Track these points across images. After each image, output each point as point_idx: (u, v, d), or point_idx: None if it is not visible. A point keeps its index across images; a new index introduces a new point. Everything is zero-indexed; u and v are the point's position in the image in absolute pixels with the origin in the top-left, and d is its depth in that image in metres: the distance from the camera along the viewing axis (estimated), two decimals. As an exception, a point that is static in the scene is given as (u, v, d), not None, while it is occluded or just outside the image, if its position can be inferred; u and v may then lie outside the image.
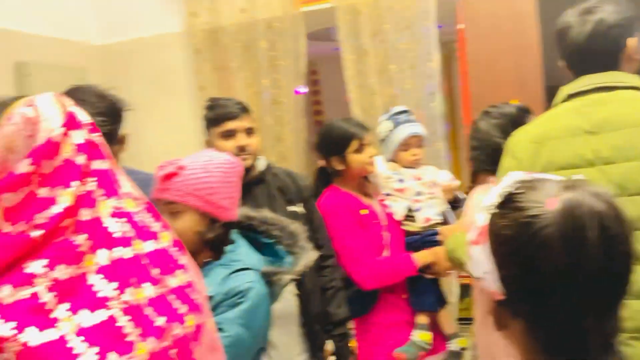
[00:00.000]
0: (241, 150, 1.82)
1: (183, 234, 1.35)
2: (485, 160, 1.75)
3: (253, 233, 1.51)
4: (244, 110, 1.91)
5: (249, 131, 1.90)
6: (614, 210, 0.64)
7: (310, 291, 1.94)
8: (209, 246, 1.41)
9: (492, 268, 0.67)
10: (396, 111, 2.24)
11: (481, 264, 0.68)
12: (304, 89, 3.16)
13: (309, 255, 1.50)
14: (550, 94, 1.66)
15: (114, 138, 1.59)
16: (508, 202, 0.67)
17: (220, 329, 1.27)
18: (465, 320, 2.74)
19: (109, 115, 1.55)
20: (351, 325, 2.15)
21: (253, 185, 1.89)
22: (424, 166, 2.26)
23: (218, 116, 1.88)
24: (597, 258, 0.62)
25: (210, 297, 1.31)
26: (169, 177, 1.40)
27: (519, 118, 1.72)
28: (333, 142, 2.15)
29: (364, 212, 2.12)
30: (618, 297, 0.66)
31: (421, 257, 2.07)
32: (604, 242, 0.62)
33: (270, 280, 1.40)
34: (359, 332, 2.17)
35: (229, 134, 1.87)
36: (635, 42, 1.43)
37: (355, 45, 2.87)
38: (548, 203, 0.64)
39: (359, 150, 2.10)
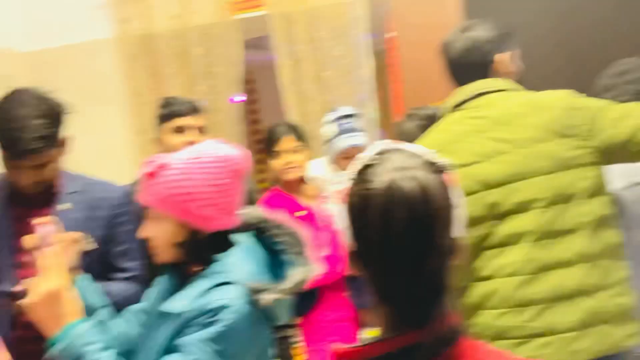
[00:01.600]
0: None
1: (159, 245, 1.19)
2: None
3: (268, 238, 1.24)
4: (196, 109, 2.00)
5: (201, 130, 1.97)
6: (425, 195, 0.73)
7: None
8: (193, 257, 1.19)
9: (346, 225, 0.79)
10: (343, 114, 2.28)
11: (342, 220, 0.80)
12: (240, 97, 3.16)
13: (307, 270, 1.19)
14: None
15: (54, 141, 1.55)
16: (361, 172, 0.78)
17: (180, 352, 1.08)
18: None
19: (49, 117, 1.52)
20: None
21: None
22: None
23: (170, 112, 1.96)
24: (400, 233, 0.73)
25: (178, 315, 1.12)
26: (148, 177, 1.17)
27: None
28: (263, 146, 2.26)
29: (299, 214, 2.14)
30: (423, 268, 0.75)
31: None
32: (409, 221, 0.72)
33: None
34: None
35: (180, 130, 1.94)
36: (504, 57, 1.60)
37: (290, 53, 2.90)
38: (379, 181, 0.74)
39: (276, 155, 2.19)
